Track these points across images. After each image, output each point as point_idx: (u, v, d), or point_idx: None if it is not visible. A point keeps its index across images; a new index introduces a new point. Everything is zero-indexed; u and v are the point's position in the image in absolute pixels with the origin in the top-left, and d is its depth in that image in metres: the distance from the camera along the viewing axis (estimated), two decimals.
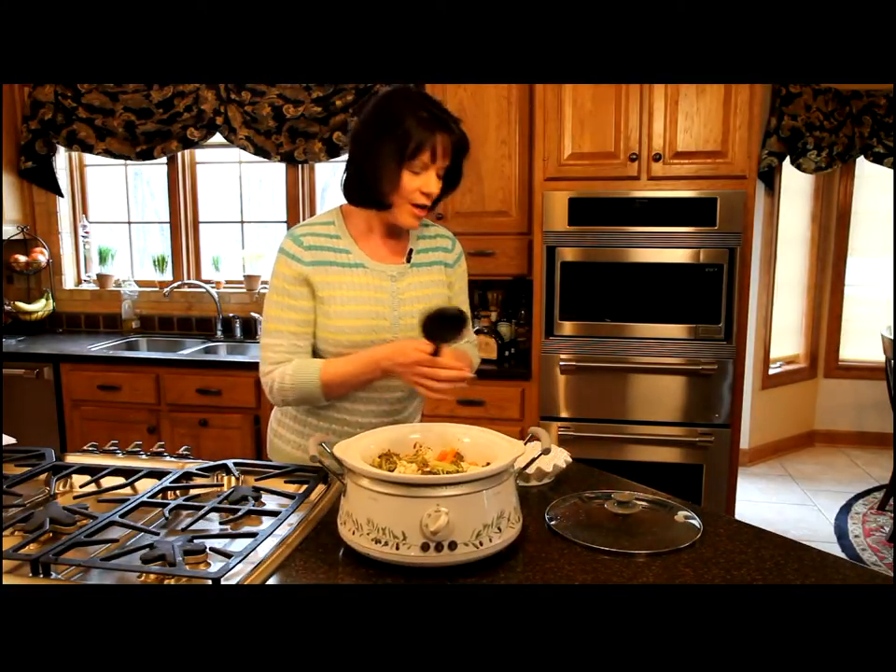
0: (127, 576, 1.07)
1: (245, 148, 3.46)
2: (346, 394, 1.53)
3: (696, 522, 1.27)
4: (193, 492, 1.37)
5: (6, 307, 3.69)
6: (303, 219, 1.58)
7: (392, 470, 1.17)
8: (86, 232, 3.86)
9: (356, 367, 1.45)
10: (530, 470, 1.37)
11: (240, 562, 1.06)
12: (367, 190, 1.47)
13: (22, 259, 3.71)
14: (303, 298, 1.49)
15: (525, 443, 1.26)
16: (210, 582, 1.00)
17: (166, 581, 1.04)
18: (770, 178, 4.13)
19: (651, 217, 2.71)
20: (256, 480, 1.40)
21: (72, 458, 1.56)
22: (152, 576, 1.05)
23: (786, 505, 3.86)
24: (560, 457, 1.48)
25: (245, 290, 3.67)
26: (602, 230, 2.75)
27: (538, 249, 2.83)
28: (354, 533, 1.11)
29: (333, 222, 1.54)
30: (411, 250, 1.57)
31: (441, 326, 1.34)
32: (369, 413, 1.57)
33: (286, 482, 1.42)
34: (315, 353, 1.55)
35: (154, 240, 3.94)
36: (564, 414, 2.88)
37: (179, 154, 3.68)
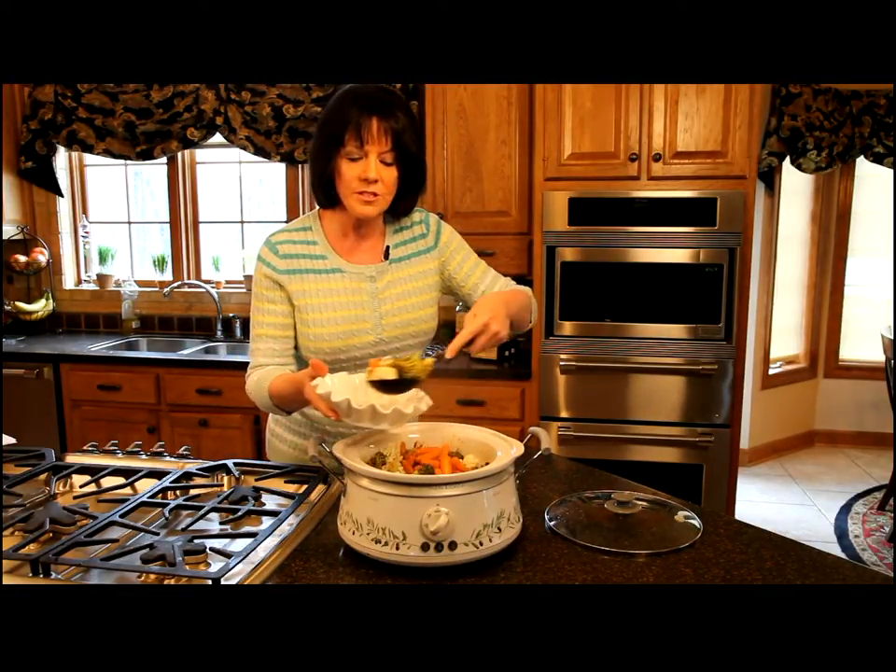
0: (127, 576, 1.07)
1: (245, 148, 3.46)
2: (300, 408, 1.47)
3: (696, 522, 1.27)
4: (193, 492, 1.37)
5: (6, 307, 3.68)
6: None
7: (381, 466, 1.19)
8: (86, 232, 3.86)
9: (291, 387, 1.36)
10: (386, 410, 1.20)
11: (240, 562, 1.06)
12: (316, 185, 1.47)
13: (22, 258, 3.71)
14: (280, 303, 1.49)
15: (525, 442, 1.26)
16: (210, 582, 1.00)
17: (166, 581, 1.04)
18: (770, 178, 4.13)
19: (650, 216, 2.71)
20: (256, 480, 1.40)
21: (72, 458, 1.56)
22: (152, 576, 1.05)
23: (786, 505, 3.86)
24: (422, 401, 1.29)
25: (244, 290, 3.67)
26: (602, 230, 2.74)
27: (538, 249, 2.83)
28: (354, 533, 1.11)
29: (310, 227, 1.52)
30: (388, 247, 1.54)
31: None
32: None
33: (286, 482, 1.42)
34: (299, 359, 1.54)
35: (154, 240, 3.94)
36: (564, 414, 2.87)
37: (179, 154, 3.68)
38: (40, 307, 3.75)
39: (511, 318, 1.39)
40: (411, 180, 1.46)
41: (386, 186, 1.41)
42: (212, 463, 1.48)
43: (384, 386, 1.25)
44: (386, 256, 1.54)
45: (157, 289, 3.76)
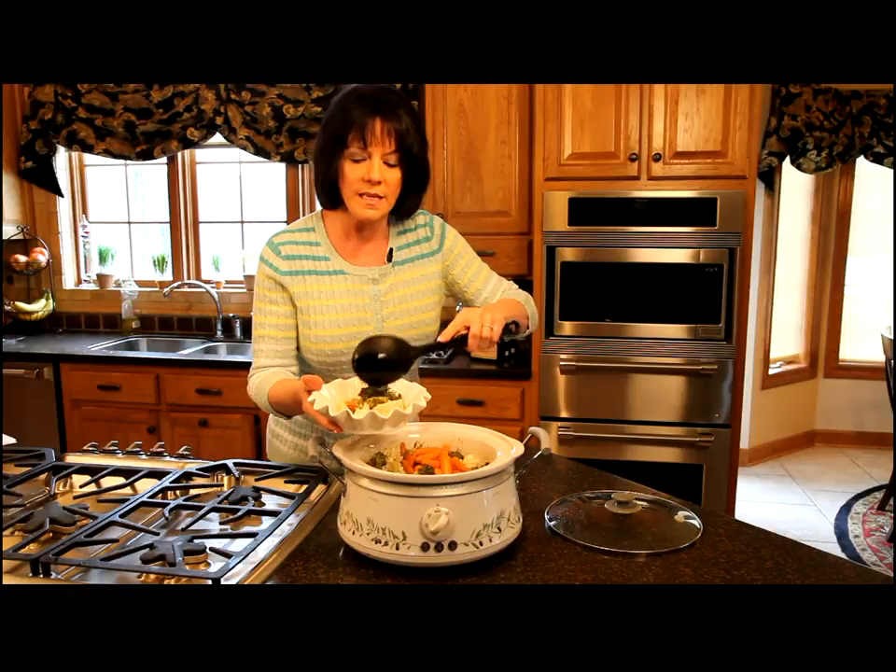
0: (127, 576, 1.07)
1: (245, 148, 3.46)
2: (297, 413, 1.45)
3: (696, 522, 1.27)
4: (193, 492, 1.37)
5: (6, 307, 3.68)
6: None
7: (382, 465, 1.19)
8: (86, 232, 3.86)
9: (290, 398, 1.35)
10: (385, 414, 1.16)
11: (240, 562, 1.06)
12: (319, 186, 1.46)
13: (22, 258, 3.71)
14: (282, 303, 1.48)
15: (525, 442, 1.26)
16: (210, 582, 1.00)
17: (166, 581, 1.04)
18: (770, 178, 4.13)
19: (650, 217, 2.71)
20: (256, 480, 1.40)
21: (72, 458, 1.56)
22: (152, 576, 1.05)
23: (786, 505, 3.86)
24: (419, 396, 1.25)
25: (245, 290, 3.67)
26: (602, 230, 2.75)
27: (538, 249, 2.83)
28: (354, 533, 1.11)
29: (314, 228, 1.52)
30: (391, 249, 1.53)
31: (373, 368, 1.25)
32: None
33: (286, 482, 1.42)
34: (302, 359, 1.53)
35: (154, 240, 3.94)
36: (564, 414, 2.87)
37: (179, 154, 3.68)
38: (40, 307, 3.75)
39: (505, 320, 1.37)
40: (414, 181, 1.45)
41: (390, 187, 1.40)
42: (212, 463, 1.48)
43: (372, 369, 1.25)
44: (390, 258, 1.53)
45: (157, 289, 3.76)
